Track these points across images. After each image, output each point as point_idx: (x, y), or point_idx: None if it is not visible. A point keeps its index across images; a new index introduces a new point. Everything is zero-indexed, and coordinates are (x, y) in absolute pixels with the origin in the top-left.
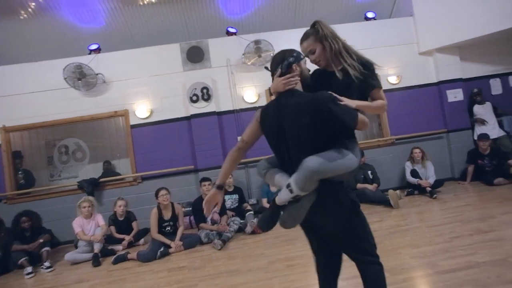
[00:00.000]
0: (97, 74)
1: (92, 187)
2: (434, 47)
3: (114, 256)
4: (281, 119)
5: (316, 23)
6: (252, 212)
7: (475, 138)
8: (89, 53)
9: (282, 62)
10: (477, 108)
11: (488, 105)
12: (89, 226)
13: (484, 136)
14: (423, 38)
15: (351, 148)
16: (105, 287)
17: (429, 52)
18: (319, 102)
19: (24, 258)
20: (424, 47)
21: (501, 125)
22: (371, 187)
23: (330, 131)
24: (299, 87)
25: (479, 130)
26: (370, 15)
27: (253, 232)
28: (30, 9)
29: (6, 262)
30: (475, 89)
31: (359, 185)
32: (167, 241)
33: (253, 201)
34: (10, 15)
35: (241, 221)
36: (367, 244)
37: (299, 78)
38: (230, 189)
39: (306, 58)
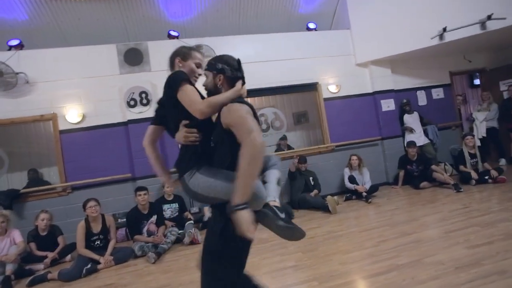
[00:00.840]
0: (17, 73)
1: (10, 199)
2: (369, 60)
3: (30, 278)
4: None
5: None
6: (192, 221)
7: (405, 145)
8: (9, 49)
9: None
10: (406, 117)
11: (415, 115)
12: (3, 243)
13: (412, 143)
14: (359, 50)
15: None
16: None
17: (364, 64)
18: None
19: None
20: (360, 59)
21: (425, 133)
22: (312, 193)
23: None
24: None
25: (408, 137)
26: (311, 25)
27: (191, 243)
28: None
29: None
30: (404, 100)
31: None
32: (96, 257)
33: (195, 209)
34: None
35: (180, 231)
36: None
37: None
38: (170, 198)
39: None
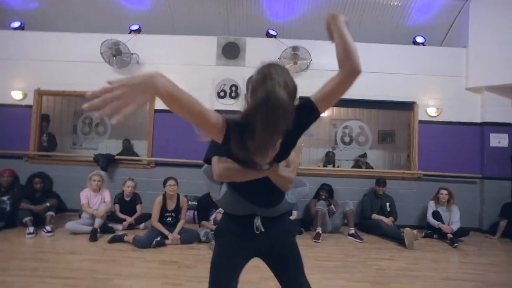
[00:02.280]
0: (132, 54)
1: (107, 162)
2: (484, 85)
3: (111, 235)
4: None
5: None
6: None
7: None
8: (129, 33)
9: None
10: None
11: None
12: (95, 200)
13: None
14: (473, 73)
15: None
16: (94, 265)
17: (477, 89)
18: None
19: (29, 218)
20: (473, 83)
21: None
22: (386, 220)
23: None
24: None
25: None
26: (419, 39)
27: None
28: None
29: (13, 218)
30: None
31: (375, 216)
32: (166, 232)
33: None
34: None
35: None
36: None
37: None
38: None
39: None
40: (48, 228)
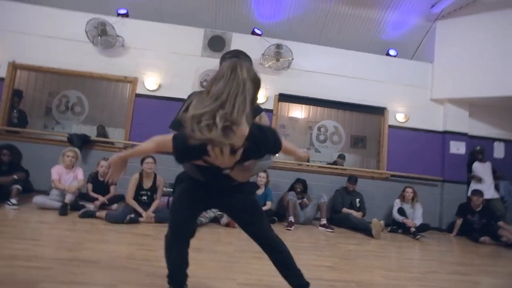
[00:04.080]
0: (118, 36)
1: (81, 142)
2: (446, 97)
3: (83, 210)
4: None
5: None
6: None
7: (469, 194)
8: (117, 16)
9: None
10: (477, 165)
11: (488, 165)
12: (67, 176)
13: (478, 192)
14: (437, 86)
15: None
16: (64, 233)
17: (440, 100)
18: None
19: None
20: (436, 95)
21: (497, 188)
22: (356, 213)
23: None
24: None
25: (474, 186)
26: (392, 52)
27: (227, 225)
28: None
29: None
30: (478, 147)
31: (345, 210)
32: (140, 210)
33: None
34: None
35: (219, 212)
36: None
37: None
38: None
39: None
40: (13, 201)
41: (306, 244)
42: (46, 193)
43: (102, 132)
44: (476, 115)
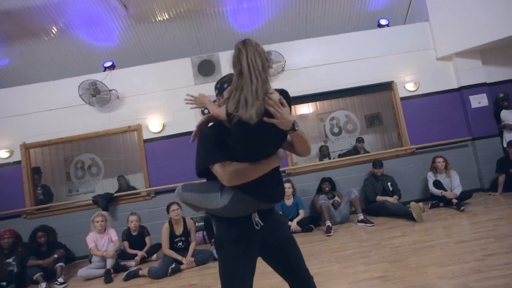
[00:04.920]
0: (110, 90)
1: (106, 201)
2: (453, 52)
3: (126, 273)
4: None
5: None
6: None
7: (505, 145)
8: (104, 71)
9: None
10: (504, 114)
11: None
12: (103, 241)
13: None
14: (440, 43)
15: (213, 189)
16: None
17: (448, 57)
18: None
19: (39, 274)
20: (442, 52)
21: None
22: (391, 199)
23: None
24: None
25: (508, 136)
26: (383, 22)
27: None
28: (51, 33)
29: (22, 277)
30: (501, 94)
31: (379, 198)
32: (179, 257)
33: None
34: (30, 38)
35: None
36: None
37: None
38: None
39: None
40: (60, 280)
41: (350, 251)
42: (87, 257)
43: (124, 182)
44: (490, 61)
